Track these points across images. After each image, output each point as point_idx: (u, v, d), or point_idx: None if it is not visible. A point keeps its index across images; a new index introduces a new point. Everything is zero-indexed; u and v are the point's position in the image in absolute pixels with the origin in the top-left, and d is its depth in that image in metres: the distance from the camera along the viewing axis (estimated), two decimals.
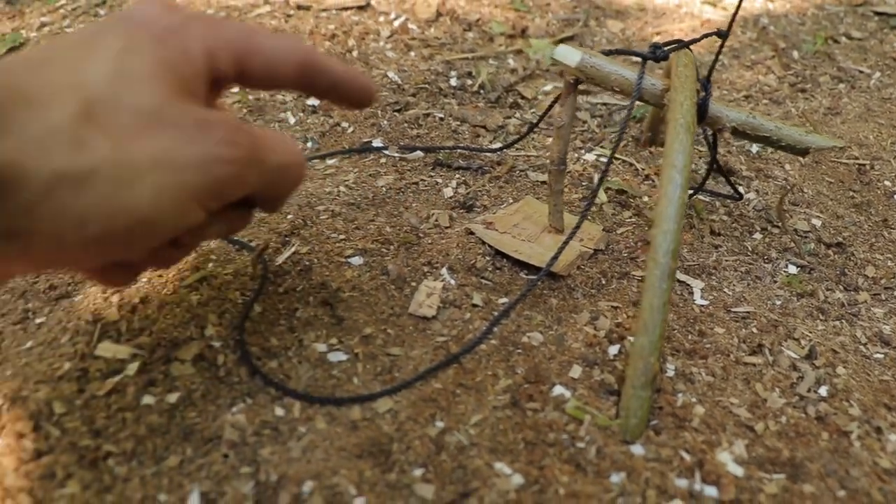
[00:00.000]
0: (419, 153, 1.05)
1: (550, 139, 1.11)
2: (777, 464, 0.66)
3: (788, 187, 1.06)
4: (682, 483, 0.62)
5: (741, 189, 1.05)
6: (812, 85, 1.35)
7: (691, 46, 0.83)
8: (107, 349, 0.72)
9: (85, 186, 0.47)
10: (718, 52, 0.85)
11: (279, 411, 0.67)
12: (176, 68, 0.52)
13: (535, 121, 1.11)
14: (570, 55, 0.79)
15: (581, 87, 0.83)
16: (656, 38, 1.48)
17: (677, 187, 0.68)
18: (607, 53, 0.81)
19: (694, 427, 0.68)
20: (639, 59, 0.81)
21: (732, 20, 0.83)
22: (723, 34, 0.87)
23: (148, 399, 0.67)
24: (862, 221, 1.03)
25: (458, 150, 1.06)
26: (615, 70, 0.79)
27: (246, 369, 0.70)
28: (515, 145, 1.08)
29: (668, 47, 0.82)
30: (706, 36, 0.87)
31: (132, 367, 0.70)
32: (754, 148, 1.15)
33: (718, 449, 0.66)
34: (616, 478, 0.62)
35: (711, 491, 0.62)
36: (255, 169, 0.55)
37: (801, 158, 1.14)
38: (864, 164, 1.14)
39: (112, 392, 0.67)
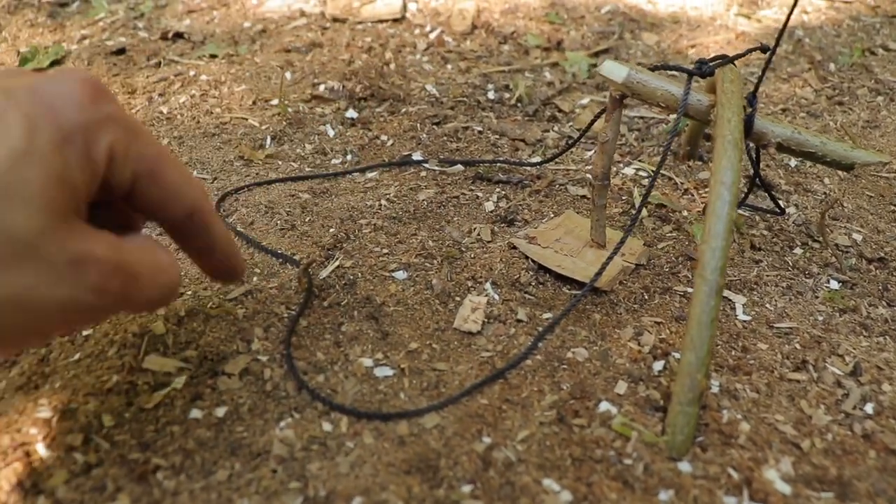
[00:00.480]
0: (459, 167, 1.06)
1: (589, 153, 1.11)
2: (825, 482, 0.66)
3: (830, 202, 1.06)
4: (730, 501, 0.62)
5: (781, 203, 1.05)
6: (850, 98, 1.34)
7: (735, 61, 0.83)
8: (154, 362, 0.73)
9: None
10: (766, 68, 0.85)
11: (327, 426, 0.67)
12: (70, 181, 0.48)
13: (574, 135, 1.11)
14: (616, 71, 0.80)
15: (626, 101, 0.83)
16: (692, 51, 1.48)
17: (725, 203, 0.68)
18: (653, 69, 0.81)
19: (740, 444, 0.68)
20: (684, 75, 0.81)
21: (780, 36, 0.83)
22: (766, 49, 0.87)
23: (195, 413, 0.68)
24: None
25: (499, 164, 1.06)
26: (661, 86, 0.80)
27: (293, 384, 0.71)
28: (555, 159, 1.08)
29: (714, 63, 0.82)
30: (751, 51, 0.87)
31: (179, 381, 0.71)
32: (793, 162, 1.15)
33: (765, 466, 0.66)
34: (664, 495, 0.62)
35: None
36: (121, 307, 0.53)
37: (840, 173, 1.14)
38: None
39: (160, 405, 0.68)
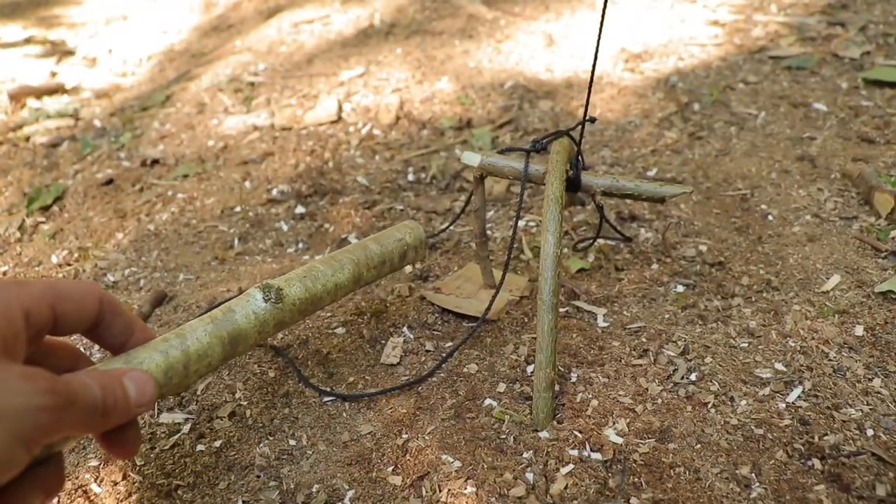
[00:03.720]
0: None
1: (490, 213, 1.40)
2: (650, 432, 0.93)
3: (667, 225, 1.34)
4: (573, 452, 0.89)
5: (642, 230, 1.33)
6: (707, 132, 1.63)
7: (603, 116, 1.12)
8: (167, 417, 1.01)
9: None
10: (580, 137, 1.13)
11: (292, 441, 0.95)
12: (1, 333, 0.59)
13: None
14: (472, 158, 1.09)
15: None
16: (580, 111, 1.77)
17: (551, 246, 0.96)
18: (501, 152, 1.10)
19: (588, 415, 0.95)
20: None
21: (586, 109, 1.12)
22: (593, 119, 1.16)
23: (200, 447, 0.96)
24: (741, 241, 1.30)
25: None
26: (508, 164, 1.08)
27: (268, 416, 0.99)
28: (458, 223, 1.37)
29: (547, 139, 1.10)
30: (580, 124, 1.15)
31: (186, 427, 0.99)
32: None
33: (606, 427, 0.93)
34: (527, 454, 0.89)
35: (596, 455, 0.89)
36: (70, 411, 0.61)
37: (693, 197, 1.42)
38: (745, 194, 1.42)
39: (174, 445, 0.96)
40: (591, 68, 1.06)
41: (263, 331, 0.89)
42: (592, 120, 1.15)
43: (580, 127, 1.12)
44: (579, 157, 1.11)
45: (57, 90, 2.40)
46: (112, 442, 0.71)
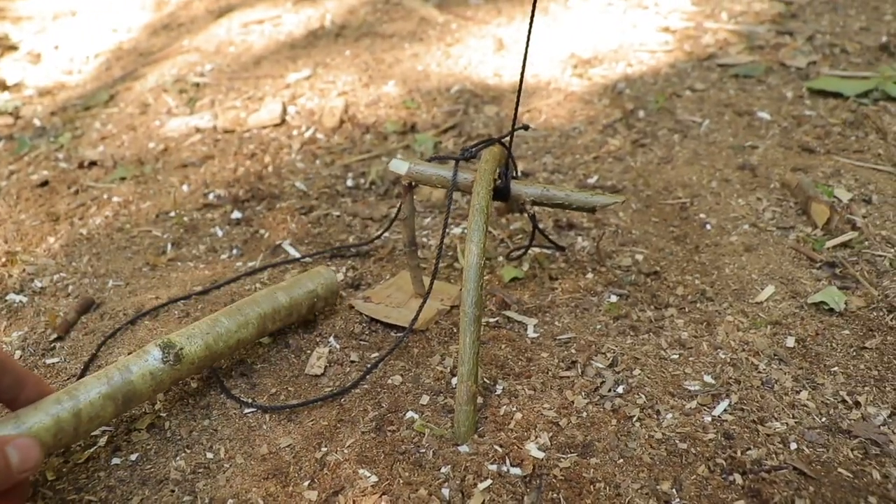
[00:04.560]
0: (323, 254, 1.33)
1: (427, 220, 1.38)
2: (572, 446, 0.92)
3: (601, 233, 1.33)
4: (492, 467, 0.88)
5: (579, 238, 1.32)
6: (651, 139, 1.63)
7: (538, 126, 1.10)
8: None
9: None
10: (510, 145, 1.12)
11: (210, 454, 0.93)
12: None
13: (416, 207, 1.38)
14: (400, 166, 1.07)
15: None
16: (526, 115, 1.76)
17: (474, 256, 0.94)
18: (430, 160, 1.09)
19: (510, 428, 0.94)
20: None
21: (514, 116, 1.10)
22: (527, 127, 1.15)
23: (116, 460, 0.93)
24: (678, 251, 1.30)
25: (343, 247, 1.33)
26: (436, 172, 1.07)
27: (186, 428, 0.97)
28: (393, 230, 1.35)
29: (477, 147, 1.09)
30: (513, 131, 1.14)
31: (103, 440, 0.96)
32: None
33: (528, 441, 0.92)
34: (445, 469, 0.88)
35: (516, 470, 0.88)
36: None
37: (633, 205, 1.41)
38: (685, 202, 1.42)
39: (89, 459, 0.93)
40: (520, 74, 1.05)
41: (158, 389, 0.93)
42: (525, 128, 1.14)
43: (511, 134, 1.11)
44: (508, 166, 1.10)
45: None
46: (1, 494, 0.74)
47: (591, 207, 1.10)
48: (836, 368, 1.03)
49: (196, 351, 0.95)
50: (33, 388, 0.82)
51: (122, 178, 1.65)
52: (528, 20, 2.16)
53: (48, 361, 1.12)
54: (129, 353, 1.04)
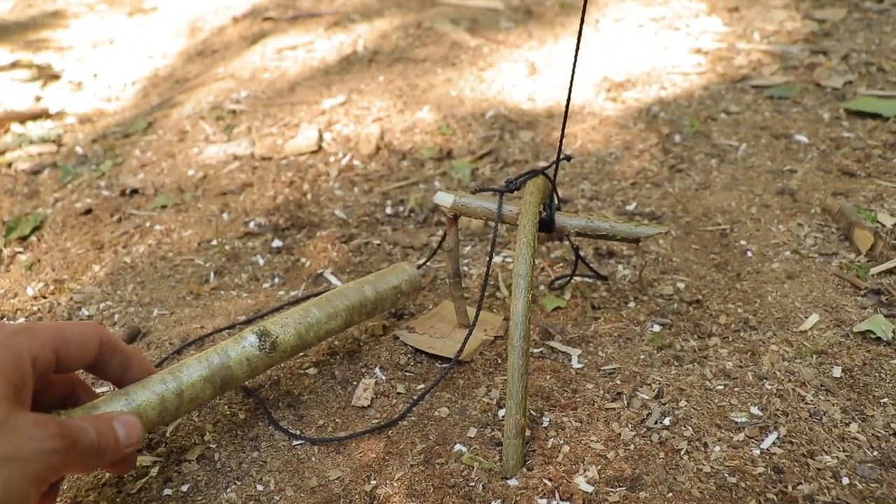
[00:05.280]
0: None
1: (468, 248, 1.39)
2: (621, 479, 0.92)
3: (643, 264, 1.33)
4: (542, 501, 0.88)
5: (620, 266, 1.32)
6: (688, 164, 1.63)
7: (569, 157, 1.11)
8: None
9: None
10: (555, 175, 1.12)
11: (260, 486, 0.94)
12: (13, 381, 0.69)
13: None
14: (446, 199, 1.08)
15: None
16: (564, 143, 1.76)
17: (522, 290, 0.95)
18: (475, 192, 1.09)
19: (559, 462, 0.94)
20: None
21: (559, 148, 1.11)
22: (569, 157, 1.15)
23: (167, 491, 0.94)
24: (719, 279, 1.29)
25: None
26: (481, 204, 1.07)
27: (236, 460, 0.97)
28: (434, 259, 1.36)
29: (521, 179, 1.10)
30: (555, 163, 1.14)
31: (154, 470, 0.97)
32: None
33: (576, 475, 0.92)
34: (495, 503, 0.88)
35: None
36: (72, 453, 0.72)
37: (673, 233, 1.41)
38: (725, 229, 1.41)
39: (141, 489, 0.95)
40: (566, 106, 1.05)
41: (252, 375, 0.98)
42: (568, 158, 1.15)
43: (555, 165, 1.12)
44: (552, 198, 1.10)
45: (41, 115, 2.39)
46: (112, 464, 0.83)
47: (636, 238, 1.10)
48: (885, 399, 1.02)
49: (289, 340, 1.00)
50: (138, 367, 0.88)
51: (164, 206, 1.68)
52: (562, 44, 2.17)
53: (98, 391, 1.14)
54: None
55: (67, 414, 0.81)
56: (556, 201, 1.10)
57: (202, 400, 0.93)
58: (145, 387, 0.88)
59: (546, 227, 1.09)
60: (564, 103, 1.92)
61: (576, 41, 0.97)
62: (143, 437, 0.83)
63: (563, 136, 1.09)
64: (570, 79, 1.02)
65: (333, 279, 1.34)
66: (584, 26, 2.39)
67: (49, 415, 0.74)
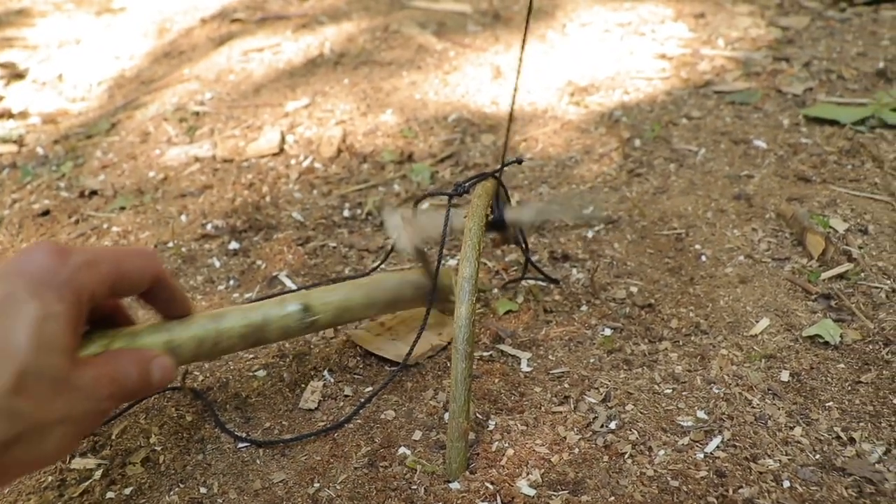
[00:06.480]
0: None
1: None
2: (563, 483, 0.92)
3: (596, 265, 1.33)
4: None
5: (574, 270, 1.33)
6: (647, 169, 1.64)
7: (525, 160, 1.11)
8: (78, 463, 0.99)
9: (11, 448, 0.65)
10: (500, 175, 1.13)
11: (203, 489, 0.93)
12: (75, 327, 0.71)
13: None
14: (394, 225, 1.09)
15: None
16: (522, 145, 1.77)
17: (466, 293, 0.95)
18: (422, 198, 1.09)
19: (502, 465, 0.94)
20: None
21: (504, 152, 1.11)
22: (521, 160, 1.15)
23: (110, 494, 0.94)
24: (673, 283, 1.30)
25: (339, 278, 1.34)
26: (437, 227, 1.07)
27: (180, 462, 0.97)
28: (388, 261, 1.36)
29: (470, 182, 1.10)
30: (506, 165, 1.14)
31: (98, 473, 0.97)
32: (590, 233, 1.43)
33: (519, 478, 0.92)
34: None
35: None
36: (119, 401, 0.78)
37: (628, 236, 1.42)
38: (681, 233, 1.42)
39: (84, 492, 0.94)
40: (510, 111, 1.05)
41: (282, 339, 1.01)
42: (519, 161, 1.15)
43: (507, 167, 1.12)
44: (499, 198, 1.10)
45: (3, 115, 2.37)
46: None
47: (587, 222, 1.11)
48: (830, 403, 1.03)
49: (326, 319, 1.02)
50: (180, 305, 0.91)
51: (122, 208, 1.67)
52: (529, 48, 2.17)
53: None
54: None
55: (111, 341, 0.84)
56: (504, 202, 1.11)
57: (233, 350, 0.96)
58: (187, 327, 0.91)
59: (498, 226, 1.09)
60: (528, 107, 1.93)
61: (521, 46, 0.97)
62: (174, 378, 0.88)
63: (507, 139, 1.09)
64: (514, 84, 1.03)
65: (288, 282, 1.34)
66: (551, 31, 2.40)
67: (103, 361, 0.77)
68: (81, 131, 2.13)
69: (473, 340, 0.95)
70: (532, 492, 0.90)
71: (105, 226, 1.61)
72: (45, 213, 1.71)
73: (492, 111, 1.93)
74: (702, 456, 0.95)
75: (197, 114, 2.06)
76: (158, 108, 2.15)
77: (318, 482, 0.93)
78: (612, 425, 1.01)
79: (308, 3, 2.85)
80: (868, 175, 1.54)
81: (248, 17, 2.79)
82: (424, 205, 1.09)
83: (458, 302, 0.95)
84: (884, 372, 1.08)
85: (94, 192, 1.76)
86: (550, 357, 1.14)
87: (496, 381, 1.09)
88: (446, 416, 1.02)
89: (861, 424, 0.99)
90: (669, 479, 0.92)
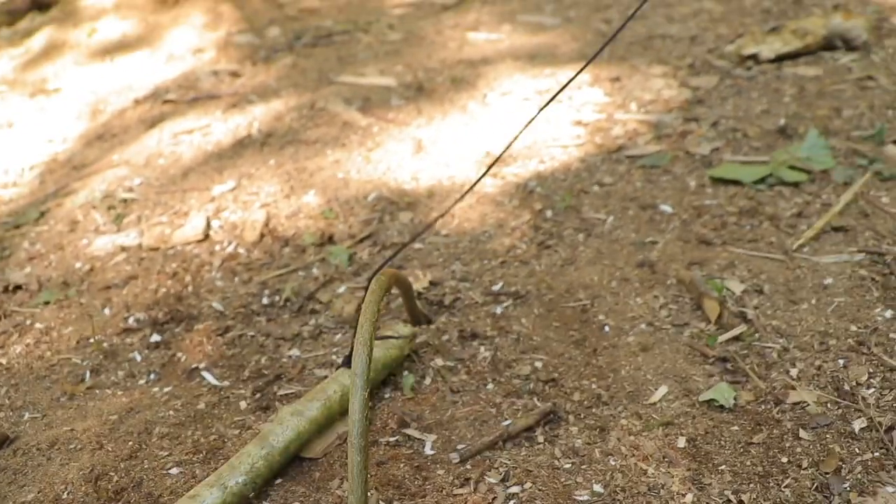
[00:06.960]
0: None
1: (338, 336, 1.44)
2: None
3: (495, 345, 1.38)
4: None
5: (482, 348, 1.38)
6: (556, 240, 1.70)
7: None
8: None
9: None
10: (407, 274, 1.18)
11: None
12: None
13: (328, 323, 1.44)
14: None
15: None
16: (439, 223, 1.82)
17: (359, 388, 1.00)
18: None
19: None
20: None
21: (393, 255, 1.17)
22: (410, 241, 1.21)
23: None
24: (577, 355, 1.36)
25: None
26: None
27: None
28: (305, 348, 1.41)
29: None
30: (396, 252, 1.20)
31: None
32: (499, 309, 1.48)
33: None
34: None
35: None
36: None
37: (535, 311, 1.47)
38: (586, 304, 1.48)
39: None
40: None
41: None
42: (412, 240, 1.20)
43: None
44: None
45: None
46: None
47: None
48: (723, 467, 1.09)
49: None
50: None
51: (47, 303, 1.69)
52: (450, 120, 2.24)
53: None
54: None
55: None
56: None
57: None
58: None
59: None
60: (447, 181, 2.00)
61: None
62: None
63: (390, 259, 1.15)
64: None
65: (208, 375, 1.38)
66: (472, 101, 2.48)
67: None
68: (10, 221, 2.16)
69: (368, 433, 0.99)
70: None
71: (28, 322, 1.63)
72: None
73: (411, 187, 1.99)
74: None
75: (125, 201, 2.10)
76: (88, 195, 2.18)
77: None
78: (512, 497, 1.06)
79: (239, 81, 2.91)
80: (765, 234, 1.62)
81: (181, 97, 2.84)
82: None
83: (351, 396, 1.00)
84: (774, 431, 1.14)
85: (18, 287, 1.79)
86: (454, 437, 1.19)
87: (401, 466, 1.13)
88: None
89: (751, 486, 1.05)
90: None
